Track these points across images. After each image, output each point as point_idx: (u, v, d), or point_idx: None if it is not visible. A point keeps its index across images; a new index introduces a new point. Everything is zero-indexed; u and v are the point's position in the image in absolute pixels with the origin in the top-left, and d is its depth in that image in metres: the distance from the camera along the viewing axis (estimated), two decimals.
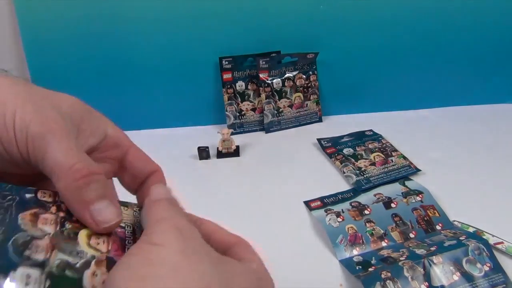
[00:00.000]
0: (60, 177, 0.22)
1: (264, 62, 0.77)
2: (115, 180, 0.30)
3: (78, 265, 0.22)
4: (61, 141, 0.23)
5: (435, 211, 0.57)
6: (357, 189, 0.62)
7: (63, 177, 0.22)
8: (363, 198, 0.60)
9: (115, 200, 0.25)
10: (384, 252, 0.51)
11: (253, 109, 0.81)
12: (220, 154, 0.72)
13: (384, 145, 0.72)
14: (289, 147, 0.75)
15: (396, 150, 0.70)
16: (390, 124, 0.80)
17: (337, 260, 0.51)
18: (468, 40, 0.79)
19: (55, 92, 0.26)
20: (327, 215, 0.57)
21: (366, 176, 0.64)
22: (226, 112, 0.80)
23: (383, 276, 0.46)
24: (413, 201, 0.59)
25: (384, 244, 0.53)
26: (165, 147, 0.77)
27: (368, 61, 0.80)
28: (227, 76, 0.78)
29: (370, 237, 0.54)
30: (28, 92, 0.24)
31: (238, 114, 0.80)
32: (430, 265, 0.46)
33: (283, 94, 0.80)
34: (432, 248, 0.49)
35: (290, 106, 0.80)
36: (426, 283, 0.45)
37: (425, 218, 0.56)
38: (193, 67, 0.78)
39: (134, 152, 0.29)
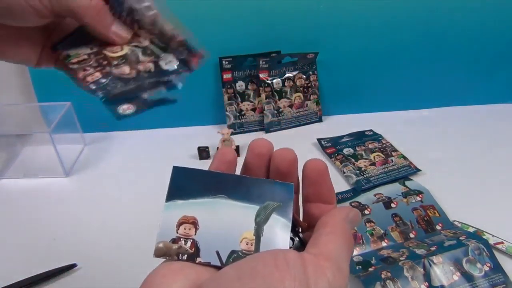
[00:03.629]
0: (85, 14, 0.30)
1: (264, 62, 0.77)
2: None
3: None
4: None
5: (435, 211, 0.57)
6: (357, 189, 0.62)
7: (89, 12, 0.30)
8: (363, 198, 0.60)
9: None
10: (384, 252, 0.51)
11: (253, 109, 0.81)
12: None
13: (384, 145, 0.72)
14: (289, 147, 0.75)
15: (396, 150, 0.70)
16: (390, 124, 0.80)
17: None
18: (468, 40, 0.79)
19: None
20: None
21: (366, 176, 0.64)
22: (226, 112, 0.80)
23: (383, 276, 0.46)
24: (413, 201, 0.59)
25: (384, 244, 0.53)
26: (165, 147, 0.77)
27: (368, 61, 0.80)
28: (227, 76, 0.78)
29: (370, 237, 0.54)
30: None
31: (238, 114, 0.80)
32: (430, 265, 0.46)
33: (283, 94, 0.80)
34: (432, 248, 0.49)
35: (290, 106, 0.80)
36: (426, 283, 0.45)
37: (425, 218, 0.56)
38: None
39: None
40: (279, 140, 0.79)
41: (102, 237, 0.57)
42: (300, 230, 0.28)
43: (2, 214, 0.62)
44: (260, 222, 0.26)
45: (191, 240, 0.26)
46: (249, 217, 0.26)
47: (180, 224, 0.26)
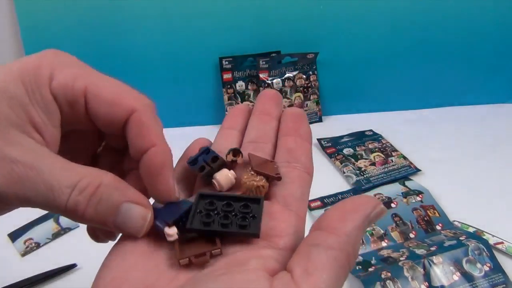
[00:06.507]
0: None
1: (264, 62, 0.77)
2: None
3: None
4: None
5: (435, 211, 0.57)
6: (357, 189, 0.62)
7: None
8: None
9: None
10: (384, 252, 0.51)
11: None
12: None
13: (384, 145, 0.72)
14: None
15: (396, 150, 0.70)
16: (390, 124, 0.80)
17: None
18: (468, 40, 0.79)
19: None
20: None
21: (366, 176, 0.64)
22: (226, 112, 0.80)
23: (383, 276, 0.46)
24: (413, 201, 0.59)
25: (384, 244, 0.53)
26: None
27: (368, 61, 0.80)
28: (227, 76, 0.78)
29: (370, 237, 0.54)
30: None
31: None
32: (430, 265, 0.46)
33: (283, 94, 0.80)
34: (432, 248, 0.49)
35: (290, 106, 0.80)
36: (426, 283, 0.45)
37: (425, 218, 0.56)
38: (193, 67, 0.78)
39: None
40: None
41: None
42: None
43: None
44: None
45: None
46: None
47: None
